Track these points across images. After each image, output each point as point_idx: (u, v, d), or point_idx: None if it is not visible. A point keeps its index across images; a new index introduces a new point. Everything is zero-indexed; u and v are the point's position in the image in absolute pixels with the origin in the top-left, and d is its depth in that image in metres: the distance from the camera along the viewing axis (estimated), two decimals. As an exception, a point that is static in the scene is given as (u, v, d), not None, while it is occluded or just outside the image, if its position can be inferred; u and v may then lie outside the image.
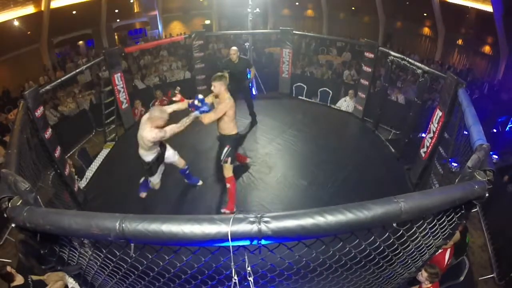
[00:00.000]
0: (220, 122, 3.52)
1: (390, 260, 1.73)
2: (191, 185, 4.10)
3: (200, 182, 4.12)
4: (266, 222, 1.15)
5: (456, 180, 1.68)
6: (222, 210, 3.70)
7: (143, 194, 3.83)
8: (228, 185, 3.64)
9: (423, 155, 4.20)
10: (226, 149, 3.56)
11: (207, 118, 3.32)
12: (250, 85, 5.94)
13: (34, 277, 3.06)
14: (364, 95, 5.90)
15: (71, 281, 2.89)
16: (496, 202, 4.59)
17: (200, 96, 3.32)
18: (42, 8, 11.74)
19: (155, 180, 3.60)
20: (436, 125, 3.93)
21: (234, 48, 5.02)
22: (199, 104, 3.27)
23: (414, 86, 8.77)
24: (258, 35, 12.30)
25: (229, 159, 3.55)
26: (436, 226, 1.67)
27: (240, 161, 4.41)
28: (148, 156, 3.35)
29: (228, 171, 3.60)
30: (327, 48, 13.55)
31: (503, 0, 9.83)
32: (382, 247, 1.55)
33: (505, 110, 7.83)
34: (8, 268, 2.91)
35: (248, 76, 5.35)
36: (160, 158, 3.48)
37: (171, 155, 3.66)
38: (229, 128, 3.54)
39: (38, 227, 1.30)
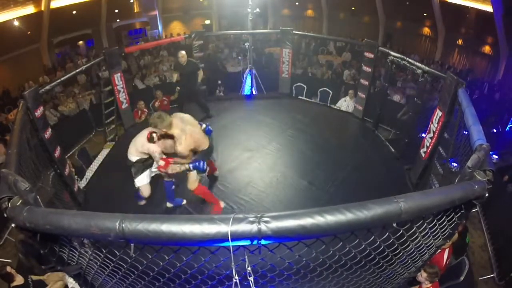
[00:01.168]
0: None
1: (390, 260, 1.73)
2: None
3: (184, 202, 3.89)
4: (266, 222, 1.15)
5: (456, 180, 1.68)
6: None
7: (142, 202, 3.80)
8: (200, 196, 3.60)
9: (423, 155, 4.20)
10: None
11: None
12: (203, 87, 6.28)
13: (34, 277, 3.05)
14: (364, 95, 5.90)
15: (71, 281, 2.88)
16: (496, 202, 4.58)
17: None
18: (42, 8, 11.73)
19: (139, 182, 3.46)
20: (436, 125, 3.93)
21: (182, 52, 5.28)
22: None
23: (413, 84, 8.77)
24: (258, 35, 12.29)
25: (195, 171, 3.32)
26: (436, 226, 1.67)
27: (211, 170, 4.13)
28: (134, 156, 3.34)
29: (192, 184, 3.40)
30: (326, 48, 13.56)
31: (503, 0, 9.83)
32: (382, 247, 1.55)
33: (504, 109, 7.83)
34: (8, 268, 2.91)
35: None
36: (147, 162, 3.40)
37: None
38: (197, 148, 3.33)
39: (38, 227, 1.30)
